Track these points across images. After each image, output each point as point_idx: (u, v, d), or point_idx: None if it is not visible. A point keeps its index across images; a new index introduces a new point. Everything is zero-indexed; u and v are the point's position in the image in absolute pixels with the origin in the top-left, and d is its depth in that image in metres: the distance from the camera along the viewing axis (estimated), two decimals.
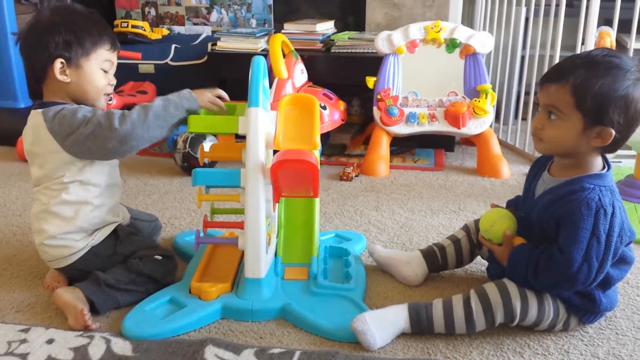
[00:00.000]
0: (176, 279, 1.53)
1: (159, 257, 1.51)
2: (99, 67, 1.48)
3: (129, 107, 2.79)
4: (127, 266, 1.47)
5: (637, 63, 1.26)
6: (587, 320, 1.38)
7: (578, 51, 2.40)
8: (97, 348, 1.29)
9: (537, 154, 1.42)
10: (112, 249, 1.51)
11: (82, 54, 1.44)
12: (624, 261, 1.35)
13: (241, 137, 1.39)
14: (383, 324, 1.32)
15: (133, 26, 3.19)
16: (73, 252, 1.47)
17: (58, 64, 1.42)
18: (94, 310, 1.40)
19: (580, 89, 1.23)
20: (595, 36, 2.33)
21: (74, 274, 1.50)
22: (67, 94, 1.47)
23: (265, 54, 2.57)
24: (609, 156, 1.36)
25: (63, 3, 1.50)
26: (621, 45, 2.87)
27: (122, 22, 3.21)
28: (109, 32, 1.50)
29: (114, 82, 1.53)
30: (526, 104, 2.79)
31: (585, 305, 1.34)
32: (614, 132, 1.24)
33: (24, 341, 1.31)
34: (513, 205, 1.54)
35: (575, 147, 1.29)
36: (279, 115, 1.44)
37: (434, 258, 1.59)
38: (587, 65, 1.24)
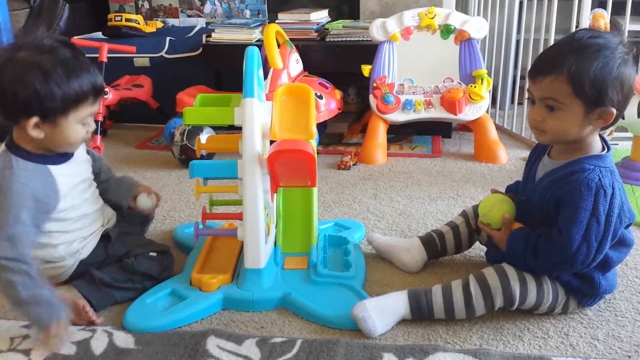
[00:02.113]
0: (175, 273, 1.53)
1: (154, 254, 1.49)
2: (77, 123, 1.32)
3: (125, 100, 2.81)
4: (123, 265, 1.46)
5: (621, 38, 1.26)
6: (586, 303, 1.38)
7: None
8: (99, 342, 1.30)
9: (535, 139, 1.42)
10: (104, 254, 1.48)
11: (60, 113, 1.28)
12: (623, 243, 1.35)
13: (237, 129, 1.39)
14: (383, 311, 1.32)
15: (127, 19, 3.18)
16: (64, 271, 1.45)
17: (32, 122, 1.27)
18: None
19: (576, 77, 1.22)
20: (589, 19, 2.32)
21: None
22: (37, 144, 1.33)
23: (260, 44, 2.57)
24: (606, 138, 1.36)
25: (43, 44, 1.30)
26: (615, 27, 2.86)
27: (115, 16, 3.20)
28: (91, 82, 1.31)
29: (93, 126, 1.38)
30: (522, 88, 2.78)
31: (585, 287, 1.35)
32: (615, 111, 1.24)
33: (26, 337, 1.32)
34: (513, 190, 1.54)
35: (580, 133, 1.28)
36: (275, 106, 1.43)
37: (433, 244, 1.60)
38: (576, 51, 1.23)
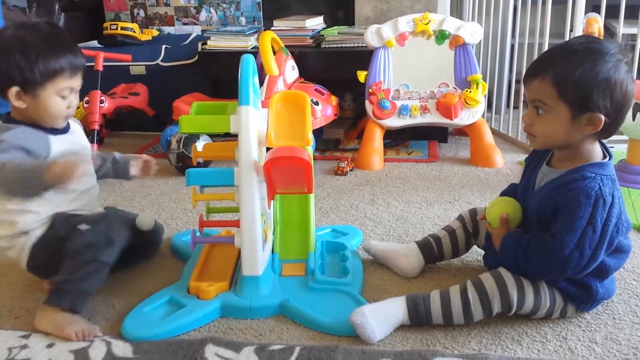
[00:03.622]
0: (171, 279, 1.53)
1: (83, 227, 1.42)
2: (55, 95, 1.42)
3: (121, 109, 2.82)
4: (66, 255, 1.39)
5: (619, 45, 1.26)
6: (584, 308, 1.38)
7: (567, 38, 2.41)
8: (97, 351, 1.29)
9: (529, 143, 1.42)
10: (55, 237, 1.44)
11: (37, 83, 1.39)
12: (621, 250, 1.35)
13: (233, 136, 1.40)
14: (381, 316, 1.32)
15: (122, 28, 3.19)
16: (18, 252, 1.47)
17: (13, 90, 1.39)
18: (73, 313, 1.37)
19: (561, 79, 1.22)
20: (583, 23, 2.33)
21: (40, 269, 1.48)
22: (24, 115, 1.43)
23: (255, 51, 2.57)
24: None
25: (28, 21, 1.44)
26: (610, 31, 2.87)
27: (111, 25, 3.20)
28: (69, 57, 1.42)
29: (76, 103, 1.47)
30: (517, 92, 2.80)
31: (582, 294, 1.35)
32: (603, 117, 1.23)
33: (24, 347, 1.31)
34: (508, 194, 1.53)
35: (569, 138, 1.28)
36: (270, 113, 1.44)
37: (430, 249, 1.60)
38: (565, 55, 1.24)
